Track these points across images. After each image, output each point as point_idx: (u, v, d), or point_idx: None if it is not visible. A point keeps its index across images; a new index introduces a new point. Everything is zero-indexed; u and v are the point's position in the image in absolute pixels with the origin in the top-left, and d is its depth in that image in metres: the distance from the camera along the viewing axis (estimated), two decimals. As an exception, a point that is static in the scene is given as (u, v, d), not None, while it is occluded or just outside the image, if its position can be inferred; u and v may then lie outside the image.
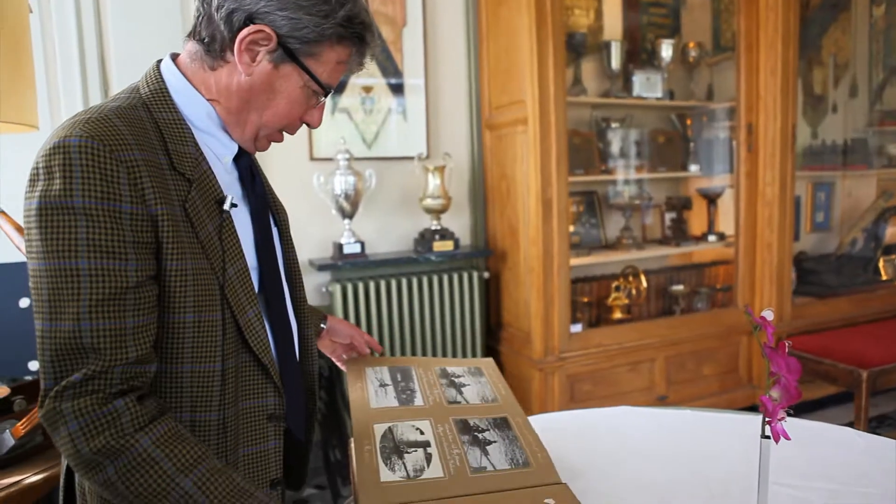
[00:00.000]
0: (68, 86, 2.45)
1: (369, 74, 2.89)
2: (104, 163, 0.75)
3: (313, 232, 2.83)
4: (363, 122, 2.91)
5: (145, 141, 0.81)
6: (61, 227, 0.74)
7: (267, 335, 0.92)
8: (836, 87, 3.64)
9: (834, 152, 3.70)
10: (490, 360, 1.45)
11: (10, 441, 1.74)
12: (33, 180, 0.76)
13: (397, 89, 2.95)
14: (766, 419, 0.89)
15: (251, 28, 0.84)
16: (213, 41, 0.87)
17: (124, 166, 0.77)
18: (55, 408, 0.74)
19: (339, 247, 2.75)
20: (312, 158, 2.83)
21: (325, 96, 0.93)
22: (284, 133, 0.96)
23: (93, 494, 0.87)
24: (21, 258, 2.33)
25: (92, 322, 0.74)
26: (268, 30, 0.84)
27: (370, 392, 1.25)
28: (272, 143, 0.98)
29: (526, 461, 1.12)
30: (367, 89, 2.90)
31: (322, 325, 1.28)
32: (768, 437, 0.90)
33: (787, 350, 0.90)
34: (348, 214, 2.76)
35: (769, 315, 0.91)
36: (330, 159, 2.81)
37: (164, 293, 0.81)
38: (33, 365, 2.39)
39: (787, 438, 0.88)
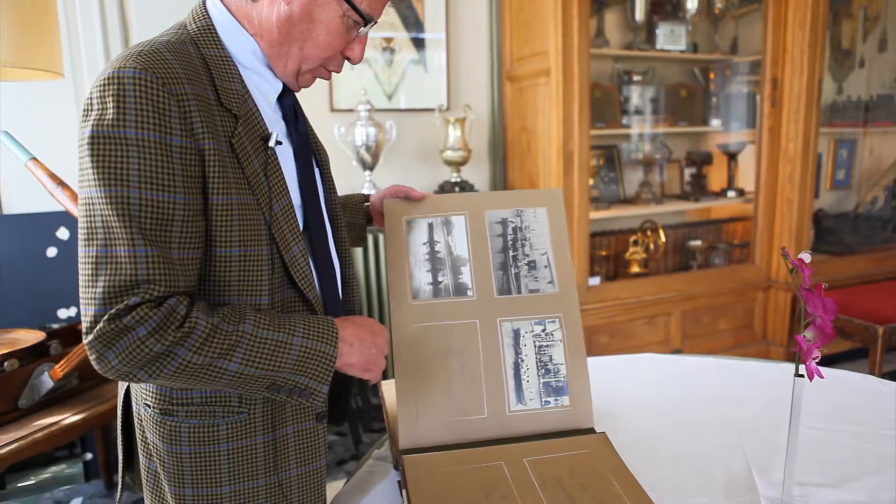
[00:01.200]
0: (88, 36, 2.44)
1: (390, 25, 2.85)
2: (156, 95, 0.76)
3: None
4: (383, 72, 2.89)
5: (195, 76, 0.82)
6: (114, 156, 0.75)
7: (311, 271, 0.93)
8: (864, 41, 3.56)
9: (857, 108, 3.64)
10: (558, 193, 1.24)
11: (48, 383, 1.80)
12: (87, 110, 0.77)
13: (418, 40, 2.91)
14: (801, 358, 0.91)
15: None
16: None
17: (175, 99, 0.77)
18: (116, 325, 0.73)
19: (360, 199, 2.76)
20: (333, 110, 2.82)
21: (366, 27, 0.92)
22: (330, 71, 0.97)
23: (148, 424, 0.91)
24: (47, 208, 2.36)
25: (146, 248, 0.75)
26: None
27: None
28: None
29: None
30: (388, 40, 2.87)
31: (366, 205, 1.28)
32: (802, 376, 0.92)
33: (822, 291, 0.92)
34: (369, 166, 2.76)
35: (807, 257, 0.93)
36: (350, 110, 2.80)
37: (210, 227, 0.82)
38: (62, 312, 2.45)
39: (822, 377, 0.90)
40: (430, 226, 1.15)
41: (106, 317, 0.73)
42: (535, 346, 1.12)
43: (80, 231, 0.77)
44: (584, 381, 1.13)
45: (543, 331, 1.14)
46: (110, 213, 0.75)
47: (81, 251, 0.76)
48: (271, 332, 0.83)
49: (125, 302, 0.74)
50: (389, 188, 1.23)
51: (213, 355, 0.79)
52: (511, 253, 1.16)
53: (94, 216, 0.76)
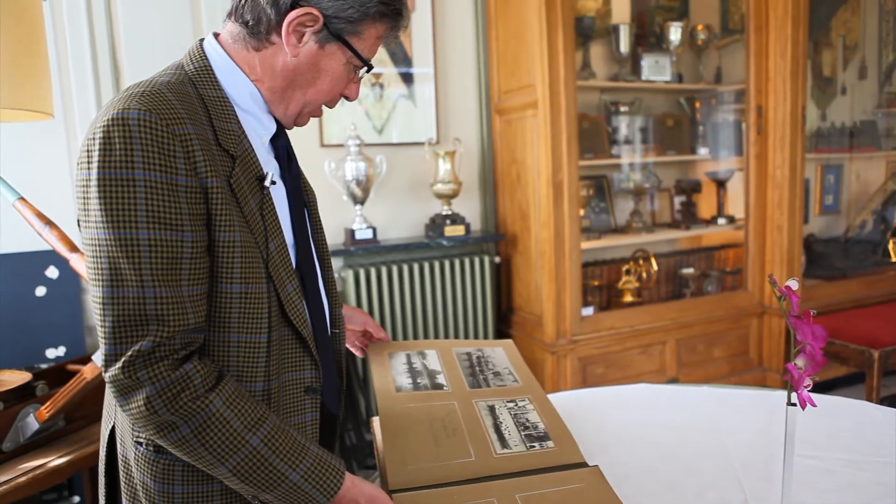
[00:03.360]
0: (80, 75, 2.46)
1: (379, 60, 2.89)
2: (161, 136, 0.77)
3: (325, 218, 2.77)
4: (373, 107, 2.91)
5: (195, 116, 0.83)
6: (122, 198, 0.76)
7: (305, 309, 0.93)
8: (844, 69, 3.63)
9: (842, 134, 3.69)
10: (510, 341, 1.49)
11: (34, 425, 1.76)
12: (90, 150, 0.77)
13: (407, 75, 2.95)
14: (792, 387, 0.91)
15: (299, 11, 0.86)
16: (259, 23, 0.89)
17: (178, 140, 0.79)
18: (131, 376, 0.76)
19: (351, 233, 2.76)
20: (323, 145, 2.84)
21: (364, 69, 0.96)
22: (323, 108, 0.99)
23: (139, 463, 0.89)
24: (36, 247, 2.35)
25: (155, 290, 0.77)
26: (315, 12, 0.87)
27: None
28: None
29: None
30: (377, 76, 2.90)
31: None
32: (795, 405, 0.91)
33: (811, 318, 0.91)
34: (360, 200, 2.77)
35: (794, 284, 0.92)
36: (340, 146, 2.81)
37: (213, 263, 0.83)
38: (51, 352, 2.42)
39: (814, 405, 0.89)
40: (408, 355, 1.40)
41: (122, 362, 0.76)
42: (511, 414, 1.22)
43: (87, 271, 0.79)
44: (564, 430, 1.18)
45: (515, 405, 1.26)
46: (119, 254, 0.76)
47: (91, 290, 0.79)
48: (275, 456, 0.83)
49: (137, 345, 0.76)
50: (358, 321, 1.34)
51: (208, 447, 0.79)
52: (477, 368, 1.38)
53: (101, 257, 0.77)
